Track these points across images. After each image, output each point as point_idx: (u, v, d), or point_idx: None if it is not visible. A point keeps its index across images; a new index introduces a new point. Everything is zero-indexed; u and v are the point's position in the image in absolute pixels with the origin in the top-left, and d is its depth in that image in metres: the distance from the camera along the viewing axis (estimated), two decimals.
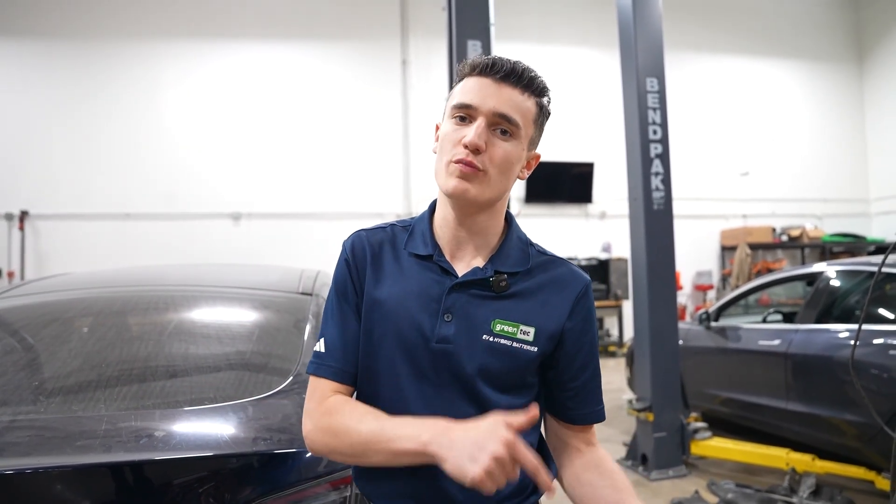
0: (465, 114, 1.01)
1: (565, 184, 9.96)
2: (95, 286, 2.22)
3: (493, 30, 4.08)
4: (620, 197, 5.42)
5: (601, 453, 1.12)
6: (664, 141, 4.39)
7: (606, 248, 9.93)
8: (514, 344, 1.02)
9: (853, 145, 11.59)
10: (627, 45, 4.44)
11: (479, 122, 0.99)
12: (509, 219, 1.13)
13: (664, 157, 4.38)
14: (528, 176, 1.09)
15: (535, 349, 1.03)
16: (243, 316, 1.97)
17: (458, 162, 0.99)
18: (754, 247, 10.22)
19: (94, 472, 1.19)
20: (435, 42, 9.72)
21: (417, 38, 9.62)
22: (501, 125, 1.00)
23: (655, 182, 4.34)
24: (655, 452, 4.17)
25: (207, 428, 1.37)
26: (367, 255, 1.08)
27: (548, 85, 1.06)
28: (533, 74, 1.03)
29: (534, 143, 1.07)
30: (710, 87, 10.79)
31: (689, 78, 10.36)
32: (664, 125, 4.39)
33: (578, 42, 10.24)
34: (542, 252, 1.12)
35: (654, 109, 4.37)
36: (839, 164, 11.44)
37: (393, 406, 1.01)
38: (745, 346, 4.55)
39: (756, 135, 10.98)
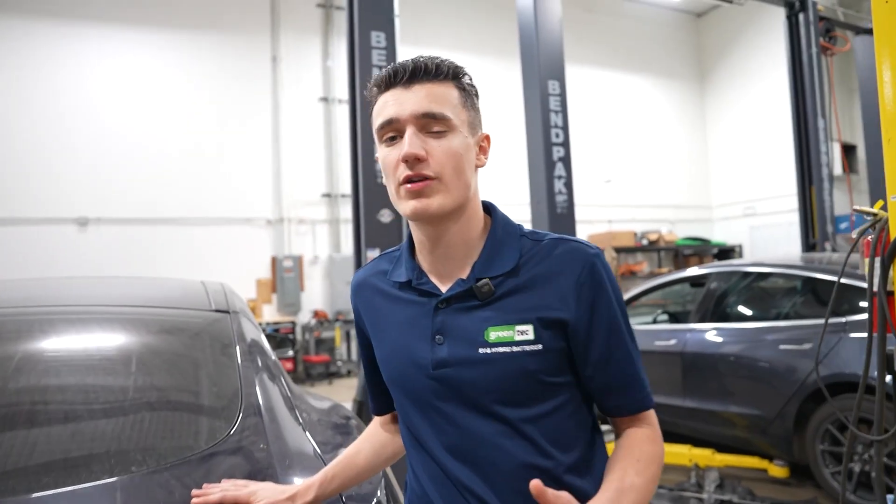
0: (392, 131, 0.93)
1: None
2: None
3: (397, 21, 3.83)
4: (521, 202, 5.29)
5: (632, 431, 0.98)
6: (566, 144, 4.39)
7: None
8: (514, 348, 0.92)
9: (699, 157, 12.79)
10: (529, 46, 4.39)
11: (409, 131, 0.91)
12: (492, 214, 1.03)
13: (566, 161, 4.38)
14: (486, 161, 1.00)
15: (540, 346, 0.92)
16: (154, 342, 1.53)
17: (406, 181, 0.91)
18: (619, 250, 10.83)
19: None
20: (308, 40, 9.21)
21: (288, 36, 9.08)
22: (432, 125, 0.92)
23: (559, 185, 4.33)
24: None
25: None
26: (360, 306, 1.09)
27: (458, 64, 0.97)
28: (438, 61, 0.95)
29: (474, 125, 0.98)
30: (576, 97, 11.26)
31: None
32: (566, 128, 4.40)
33: (470, 50, 10.07)
34: (537, 239, 1.00)
35: (556, 112, 4.37)
36: (688, 174, 12.57)
37: (414, 448, 1.01)
38: (642, 346, 4.66)
39: (618, 144, 11.70)
